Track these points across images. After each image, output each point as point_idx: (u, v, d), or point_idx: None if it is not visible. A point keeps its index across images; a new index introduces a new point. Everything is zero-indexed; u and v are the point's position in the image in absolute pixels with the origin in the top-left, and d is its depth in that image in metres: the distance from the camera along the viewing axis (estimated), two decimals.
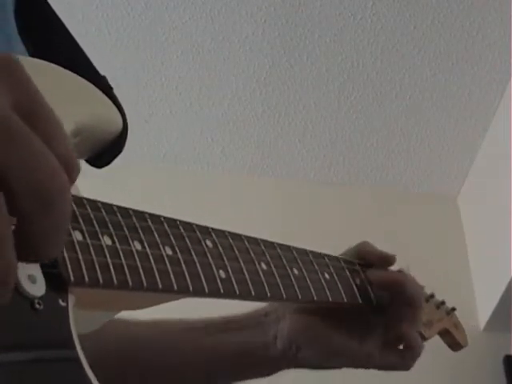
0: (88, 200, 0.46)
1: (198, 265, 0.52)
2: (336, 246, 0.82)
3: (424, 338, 0.86)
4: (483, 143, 2.50)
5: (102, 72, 0.58)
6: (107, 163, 0.54)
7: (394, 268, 0.82)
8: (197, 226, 0.55)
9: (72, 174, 0.34)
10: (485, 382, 2.28)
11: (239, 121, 2.44)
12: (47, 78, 0.48)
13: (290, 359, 0.75)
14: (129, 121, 0.55)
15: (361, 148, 2.53)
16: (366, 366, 0.77)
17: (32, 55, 0.58)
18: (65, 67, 0.50)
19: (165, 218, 0.52)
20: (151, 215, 0.51)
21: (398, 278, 0.78)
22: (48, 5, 0.61)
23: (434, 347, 0.91)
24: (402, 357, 0.77)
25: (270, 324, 0.76)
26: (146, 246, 0.48)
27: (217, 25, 2.19)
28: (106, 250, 0.45)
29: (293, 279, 0.65)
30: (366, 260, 0.80)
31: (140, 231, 0.49)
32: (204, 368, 0.78)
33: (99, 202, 0.47)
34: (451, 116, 2.44)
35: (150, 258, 0.48)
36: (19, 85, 0.34)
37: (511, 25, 2.16)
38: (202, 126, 2.46)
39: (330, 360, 0.76)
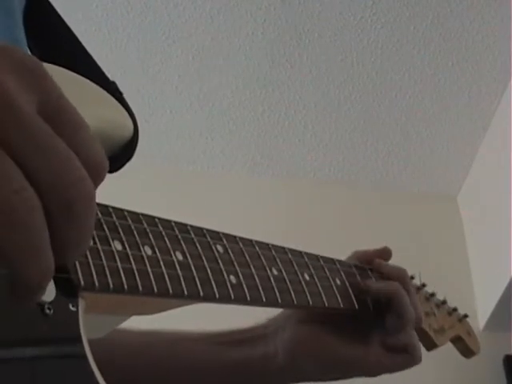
0: (99, 205, 0.46)
1: (208, 270, 0.51)
2: (336, 245, 0.82)
3: (436, 346, 0.85)
4: (483, 143, 2.50)
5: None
6: (118, 168, 0.53)
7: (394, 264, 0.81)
8: (207, 230, 0.55)
9: (98, 178, 0.34)
10: (485, 382, 2.28)
11: (239, 121, 2.44)
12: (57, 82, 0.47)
13: (292, 372, 0.74)
14: None
15: (361, 148, 2.53)
16: (377, 371, 0.75)
17: (40, 60, 0.57)
18: (74, 72, 0.50)
19: (175, 222, 0.52)
20: (161, 220, 0.51)
21: (395, 292, 0.75)
22: (55, 10, 0.60)
23: None
24: (410, 352, 0.75)
25: (270, 336, 0.75)
26: (157, 251, 0.48)
27: (217, 25, 2.18)
28: (116, 255, 0.45)
29: (304, 285, 0.64)
30: (364, 261, 0.79)
31: (150, 236, 0.48)
32: (202, 381, 0.76)
33: (110, 206, 0.47)
34: (451, 116, 2.44)
35: (161, 263, 0.48)
36: (44, 86, 0.34)
37: (511, 25, 2.16)
38: (202, 126, 2.45)
39: (334, 370, 0.75)
